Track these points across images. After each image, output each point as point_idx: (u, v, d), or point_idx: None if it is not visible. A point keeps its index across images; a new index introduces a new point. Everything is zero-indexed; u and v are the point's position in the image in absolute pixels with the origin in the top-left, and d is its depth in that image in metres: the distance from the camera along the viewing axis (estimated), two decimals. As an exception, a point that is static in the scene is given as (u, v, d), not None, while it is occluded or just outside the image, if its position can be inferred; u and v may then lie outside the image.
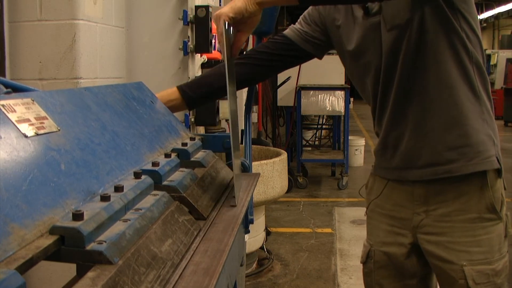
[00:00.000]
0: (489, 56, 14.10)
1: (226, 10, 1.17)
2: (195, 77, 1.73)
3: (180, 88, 1.51)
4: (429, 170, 1.35)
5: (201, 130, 2.48)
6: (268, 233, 4.03)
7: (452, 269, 1.33)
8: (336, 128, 6.89)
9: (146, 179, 0.96)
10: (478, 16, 1.29)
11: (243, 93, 4.06)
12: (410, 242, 1.41)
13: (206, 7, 2.23)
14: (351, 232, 4.18)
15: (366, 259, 1.51)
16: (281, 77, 6.42)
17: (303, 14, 1.54)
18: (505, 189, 1.38)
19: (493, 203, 1.33)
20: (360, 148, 6.93)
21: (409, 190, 1.40)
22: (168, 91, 1.52)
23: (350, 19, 1.40)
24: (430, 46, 1.29)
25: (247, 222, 1.57)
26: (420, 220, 1.38)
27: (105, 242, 0.72)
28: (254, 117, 5.30)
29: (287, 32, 1.53)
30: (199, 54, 2.36)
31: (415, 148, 1.36)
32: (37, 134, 0.82)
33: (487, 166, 1.32)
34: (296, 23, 1.55)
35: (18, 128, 0.79)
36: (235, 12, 1.17)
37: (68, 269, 0.75)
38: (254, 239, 3.32)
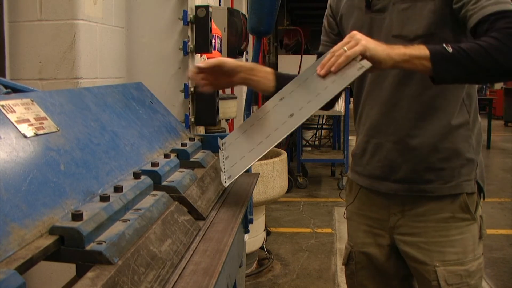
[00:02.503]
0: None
1: (370, 44, 1.10)
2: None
3: (275, 72, 1.45)
4: (405, 186, 1.34)
5: (201, 130, 2.48)
6: (268, 233, 4.03)
7: (426, 270, 1.32)
8: (336, 128, 6.89)
9: (145, 179, 0.96)
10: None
11: (243, 93, 4.06)
12: (388, 243, 1.41)
13: (206, 7, 2.23)
14: (351, 232, 4.17)
15: (348, 261, 1.50)
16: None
17: (323, 24, 1.51)
18: (483, 199, 1.37)
19: (467, 203, 1.31)
20: (360, 148, 6.91)
21: (383, 199, 1.39)
22: (266, 68, 1.45)
23: (353, 9, 1.37)
24: None
25: (246, 222, 1.57)
26: (396, 221, 1.37)
27: (105, 242, 0.72)
28: (254, 117, 5.29)
29: (320, 49, 1.50)
30: (199, 54, 2.36)
31: (396, 161, 1.34)
32: (36, 135, 0.82)
33: (461, 189, 1.31)
34: (322, 35, 1.52)
35: (17, 129, 0.80)
36: (374, 57, 1.09)
37: (68, 269, 0.75)
38: (254, 239, 3.32)
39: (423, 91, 1.28)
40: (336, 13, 1.46)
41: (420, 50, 1.11)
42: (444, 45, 1.11)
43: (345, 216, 1.56)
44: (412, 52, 1.11)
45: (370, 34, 1.29)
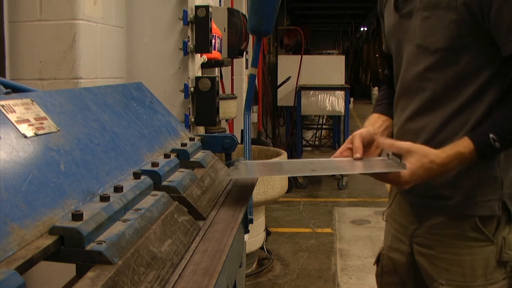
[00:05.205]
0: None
1: (408, 181, 1.12)
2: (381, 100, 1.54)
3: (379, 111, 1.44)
4: (422, 199, 1.29)
5: (201, 130, 2.48)
6: (268, 233, 4.03)
7: (433, 286, 1.27)
8: (336, 128, 6.89)
9: (145, 179, 0.96)
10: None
11: (243, 93, 4.06)
12: (409, 251, 1.36)
13: (206, 7, 2.23)
14: (351, 232, 4.17)
15: (377, 262, 1.47)
16: (281, 77, 6.42)
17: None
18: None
19: (476, 222, 1.20)
20: (360, 148, 6.91)
21: (408, 206, 1.35)
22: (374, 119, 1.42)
23: (389, 11, 1.33)
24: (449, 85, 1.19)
25: (246, 222, 1.57)
26: (414, 229, 1.33)
27: (105, 242, 0.72)
28: (254, 117, 5.30)
29: (383, 47, 1.47)
30: (199, 54, 2.37)
31: None
32: (36, 135, 0.82)
33: (472, 211, 1.21)
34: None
35: (17, 129, 0.80)
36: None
37: (68, 269, 0.75)
38: (254, 239, 3.32)
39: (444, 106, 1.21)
40: (380, 12, 1.43)
41: (467, 156, 1.12)
42: (490, 137, 1.10)
43: (383, 218, 1.51)
44: (458, 164, 1.13)
45: (400, 40, 1.28)
